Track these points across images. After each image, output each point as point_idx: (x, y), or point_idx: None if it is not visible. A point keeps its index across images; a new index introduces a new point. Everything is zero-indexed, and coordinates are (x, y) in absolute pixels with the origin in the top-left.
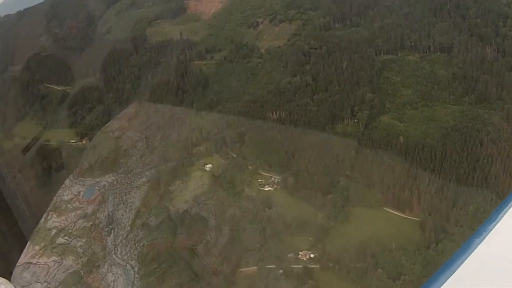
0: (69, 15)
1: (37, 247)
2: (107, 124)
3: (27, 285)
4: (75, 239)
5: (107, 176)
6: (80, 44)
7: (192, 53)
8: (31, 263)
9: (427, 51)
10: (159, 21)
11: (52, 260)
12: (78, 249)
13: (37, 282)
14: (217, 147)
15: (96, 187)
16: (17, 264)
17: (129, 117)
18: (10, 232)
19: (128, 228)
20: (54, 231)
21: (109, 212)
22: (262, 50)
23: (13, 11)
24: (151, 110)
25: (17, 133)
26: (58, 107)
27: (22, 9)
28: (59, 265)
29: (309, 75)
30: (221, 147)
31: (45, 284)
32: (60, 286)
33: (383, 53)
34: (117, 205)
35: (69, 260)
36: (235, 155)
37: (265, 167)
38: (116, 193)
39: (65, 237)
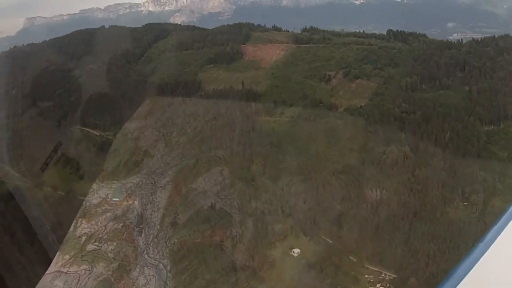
0: (104, 50)
1: (66, 256)
2: (125, 125)
3: None
4: (105, 244)
5: (132, 177)
6: (120, 84)
7: (258, 107)
8: (62, 272)
9: None
10: (211, 65)
11: (83, 269)
12: (109, 253)
13: None
14: (305, 227)
15: (123, 189)
16: (47, 272)
17: (144, 115)
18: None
19: (158, 227)
20: (84, 238)
21: (138, 212)
22: (341, 109)
23: (34, 39)
24: (165, 104)
25: (46, 182)
26: (97, 156)
27: (47, 39)
28: (90, 273)
29: (406, 145)
30: (310, 228)
31: None
32: None
33: (484, 123)
34: (145, 205)
35: (99, 267)
36: (330, 241)
37: (373, 260)
38: (143, 193)
39: (95, 243)
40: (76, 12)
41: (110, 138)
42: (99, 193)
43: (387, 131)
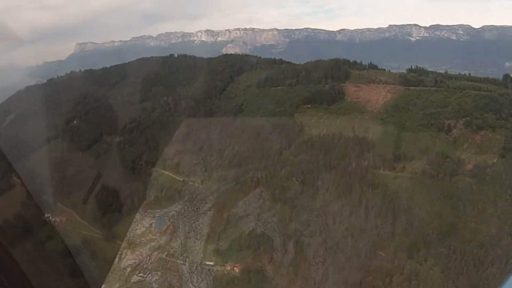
0: (177, 81)
1: None
2: (164, 151)
3: None
4: (150, 274)
5: (174, 205)
6: (202, 122)
7: (374, 158)
8: None
9: None
10: (308, 106)
11: None
12: (154, 284)
13: None
14: None
15: (166, 217)
16: None
17: (182, 139)
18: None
19: (201, 255)
20: (128, 269)
21: (181, 240)
22: (470, 166)
23: (85, 64)
24: (201, 126)
25: (120, 234)
26: (185, 208)
27: (108, 66)
28: None
29: None
30: None
31: None
32: None
33: None
34: (188, 233)
35: None
36: None
37: None
38: (185, 221)
39: (140, 274)
40: (127, 39)
41: (197, 185)
42: (143, 222)
43: None
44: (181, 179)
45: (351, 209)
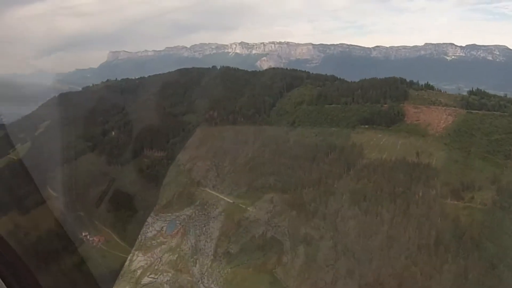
0: (222, 94)
1: None
2: (178, 156)
3: None
4: (161, 275)
5: (185, 209)
6: (249, 138)
7: (442, 187)
8: None
9: None
10: (366, 126)
11: None
12: (165, 285)
13: None
14: None
15: (177, 221)
16: None
17: (196, 146)
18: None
19: (212, 257)
20: (139, 271)
21: (192, 243)
22: None
23: (118, 73)
24: (215, 133)
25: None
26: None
27: (146, 76)
28: None
29: None
30: None
31: None
32: None
33: None
34: (198, 236)
35: None
36: None
37: None
38: (196, 225)
39: (151, 276)
40: (161, 49)
41: (247, 208)
42: (154, 226)
43: None
44: (231, 201)
45: (419, 242)
